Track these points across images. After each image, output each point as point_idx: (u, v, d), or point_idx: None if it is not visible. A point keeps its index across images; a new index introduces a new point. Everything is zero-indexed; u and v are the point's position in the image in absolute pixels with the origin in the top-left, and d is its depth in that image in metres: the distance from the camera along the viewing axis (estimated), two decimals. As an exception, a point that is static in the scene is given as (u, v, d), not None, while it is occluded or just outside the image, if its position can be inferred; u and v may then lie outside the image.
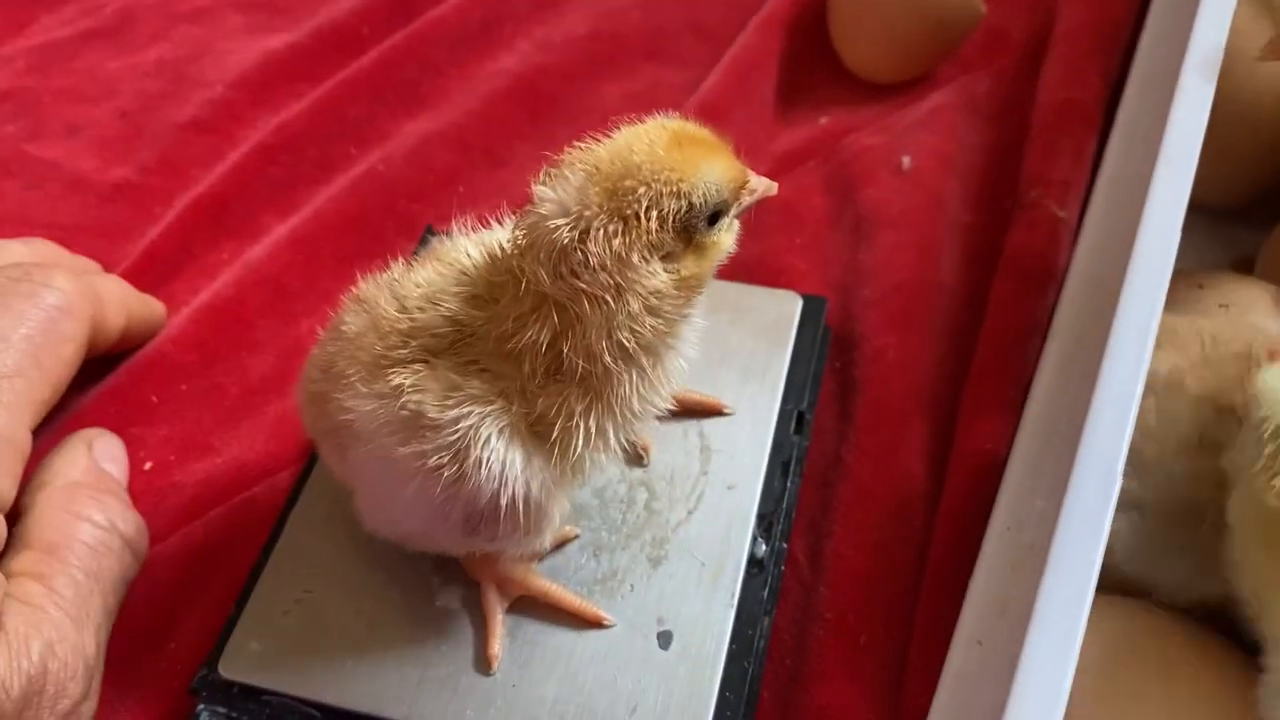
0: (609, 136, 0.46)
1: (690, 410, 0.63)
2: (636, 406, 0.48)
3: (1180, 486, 0.53)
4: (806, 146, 0.85)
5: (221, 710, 0.55)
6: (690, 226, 0.44)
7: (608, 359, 0.45)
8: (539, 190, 0.45)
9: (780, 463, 0.63)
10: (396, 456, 0.46)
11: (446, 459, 0.46)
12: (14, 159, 0.86)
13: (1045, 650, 0.39)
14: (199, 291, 0.78)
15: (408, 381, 0.46)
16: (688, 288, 0.46)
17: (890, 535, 0.64)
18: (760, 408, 0.64)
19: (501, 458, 0.46)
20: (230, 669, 0.55)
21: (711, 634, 0.55)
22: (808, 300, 0.69)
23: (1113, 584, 0.54)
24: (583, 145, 0.46)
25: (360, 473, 0.51)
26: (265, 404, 0.72)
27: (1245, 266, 0.74)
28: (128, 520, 0.58)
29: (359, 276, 0.52)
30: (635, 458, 0.62)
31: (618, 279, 0.43)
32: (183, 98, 0.91)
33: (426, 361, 0.47)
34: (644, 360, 0.46)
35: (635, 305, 0.44)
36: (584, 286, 0.43)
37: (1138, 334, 0.47)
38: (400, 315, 0.47)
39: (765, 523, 0.60)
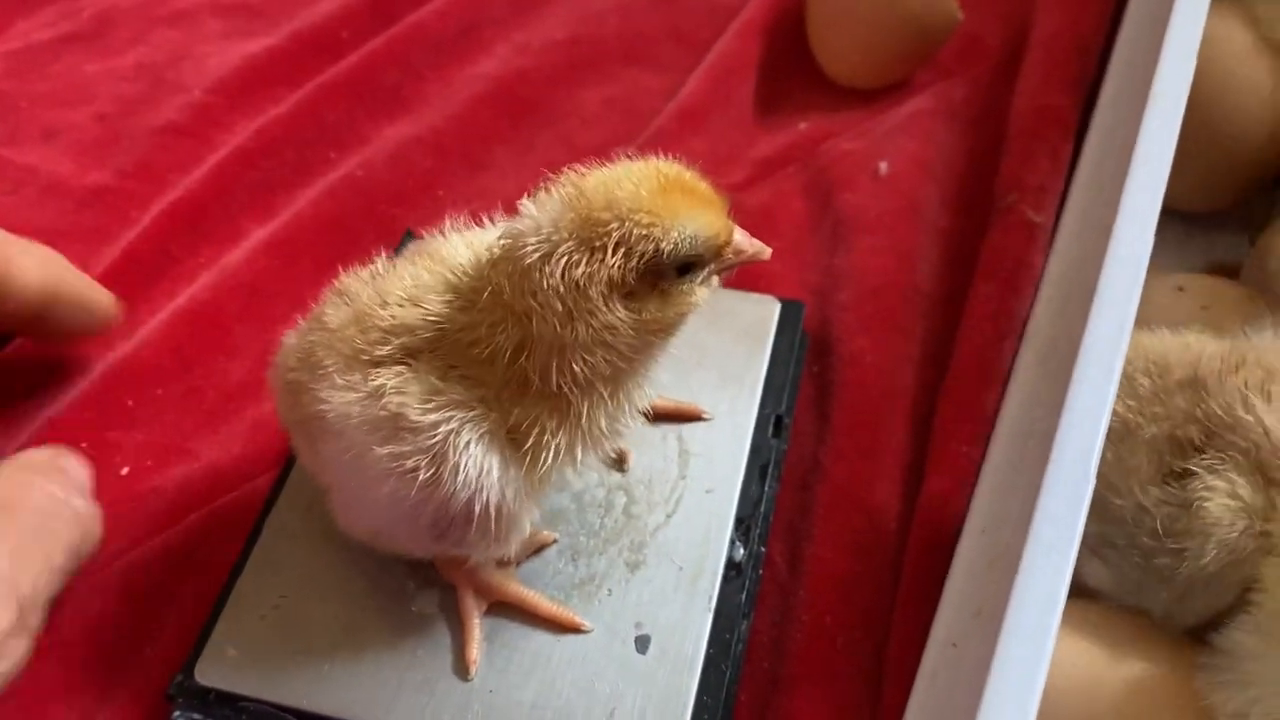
0: (609, 165, 0.46)
1: (669, 416, 0.63)
2: (604, 426, 0.48)
3: (1151, 520, 0.52)
4: (785, 152, 0.86)
5: (198, 716, 0.55)
6: (657, 271, 0.44)
7: (561, 381, 0.45)
8: (524, 204, 0.46)
9: (758, 466, 0.63)
10: (372, 455, 0.46)
11: (424, 462, 0.46)
12: (-10, 163, 0.86)
13: (1018, 652, 0.39)
14: (176, 296, 0.78)
15: (390, 382, 0.46)
16: (648, 330, 0.46)
17: (868, 538, 0.65)
18: (738, 412, 0.64)
19: (479, 464, 0.46)
20: (206, 675, 0.55)
21: (689, 638, 0.55)
22: (786, 305, 0.69)
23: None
24: (582, 169, 0.45)
25: (332, 467, 0.51)
26: (243, 409, 0.72)
27: (1222, 272, 0.74)
28: (85, 502, 0.56)
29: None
30: (615, 463, 0.62)
31: (570, 305, 0.44)
32: (161, 102, 0.91)
33: (408, 363, 0.47)
34: (601, 389, 0.47)
35: (584, 335, 0.44)
36: (537, 306, 0.44)
37: (1111, 337, 0.47)
38: (383, 311, 0.47)
39: (743, 526, 0.61)
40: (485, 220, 0.52)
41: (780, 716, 0.59)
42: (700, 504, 0.61)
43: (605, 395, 0.47)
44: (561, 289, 0.43)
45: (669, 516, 0.60)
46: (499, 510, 0.47)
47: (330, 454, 0.49)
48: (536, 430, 0.46)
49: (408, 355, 0.47)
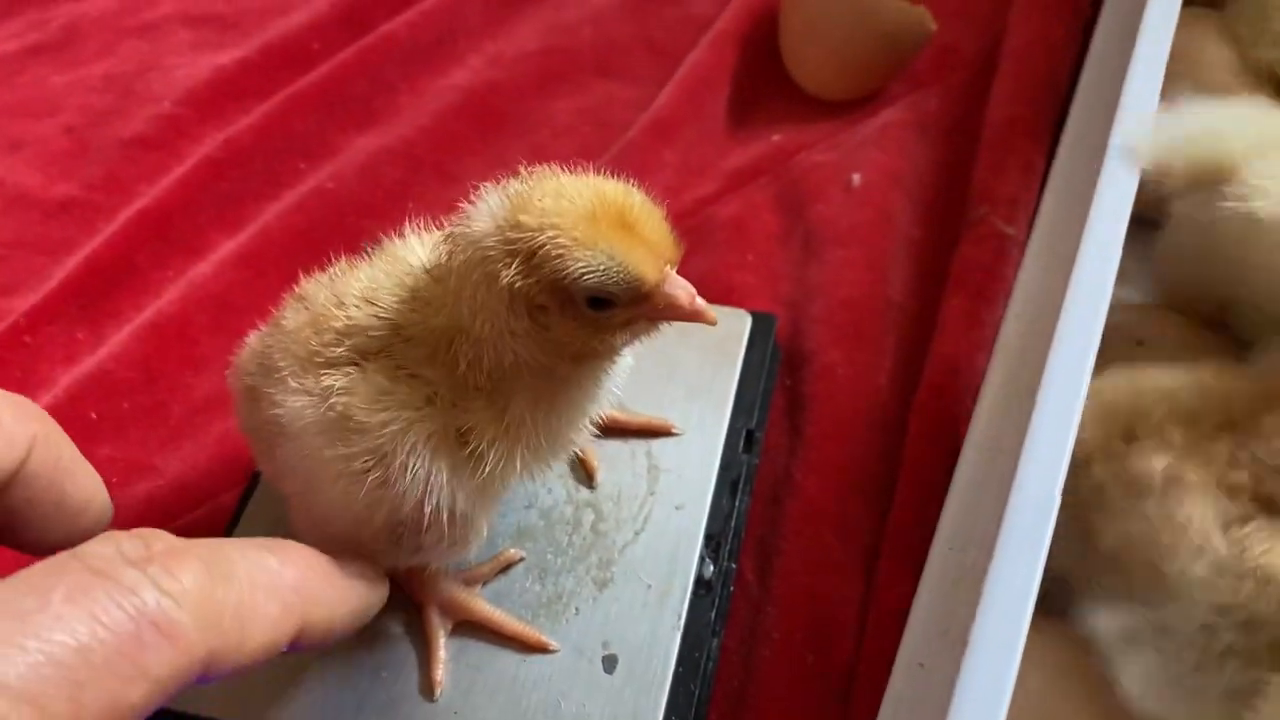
0: (579, 174, 0.44)
1: (638, 431, 0.63)
2: (542, 438, 0.47)
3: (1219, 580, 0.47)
4: (757, 163, 0.85)
5: (156, 739, 0.54)
6: (565, 295, 0.42)
7: (478, 374, 0.45)
8: (482, 190, 0.45)
9: (729, 482, 0.62)
10: (323, 458, 0.46)
11: (372, 463, 0.45)
12: (-45, 175, 0.85)
13: (983, 672, 0.39)
14: (143, 309, 0.77)
15: (338, 383, 0.46)
16: (556, 351, 0.45)
17: (840, 554, 0.64)
18: (709, 426, 0.64)
19: (427, 465, 0.45)
20: (166, 697, 0.54)
21: (657, 657, 0.55)
22: (757, 317, 0.69)
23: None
24: (545, 170, 0.44)
25: (288, 473, 0.50)
26: (209, 423, 0.71)
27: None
28: None
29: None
30: (583, 479, 0.61)
31: (478, 298, 0.43)
32: (130, 114, 0.90)
33: (358, 364, 0.46)
34: (529, 395, 0.46)
35: (489, 331, 0.44)
36: (455, 290, 0.44)
37: (1077, 354, 0.47)
38: (337, 313, 0.47)
39: (713, 543, 0.60)
40: (447, 224, 0.51)
41: (750, 735, 0.58)
42: (670, 520, 0.60)
43: (536, 403, 0.46)
44: (473, 278, 0.43)
45: (638, 533, 0.59)
46: (451, 512, 0.46)
47: (285, 458, 0.48)
48: (477, 434, 0.46)
49: (360, 356, 0.47)
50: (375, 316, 0.47)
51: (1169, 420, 0.51)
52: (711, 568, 0.59)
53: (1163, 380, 0.54)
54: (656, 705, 0.53)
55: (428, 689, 0.53)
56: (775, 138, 0.88)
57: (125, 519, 0.65)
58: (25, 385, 0.72)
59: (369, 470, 0.45)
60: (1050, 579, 0.42)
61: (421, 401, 0.46)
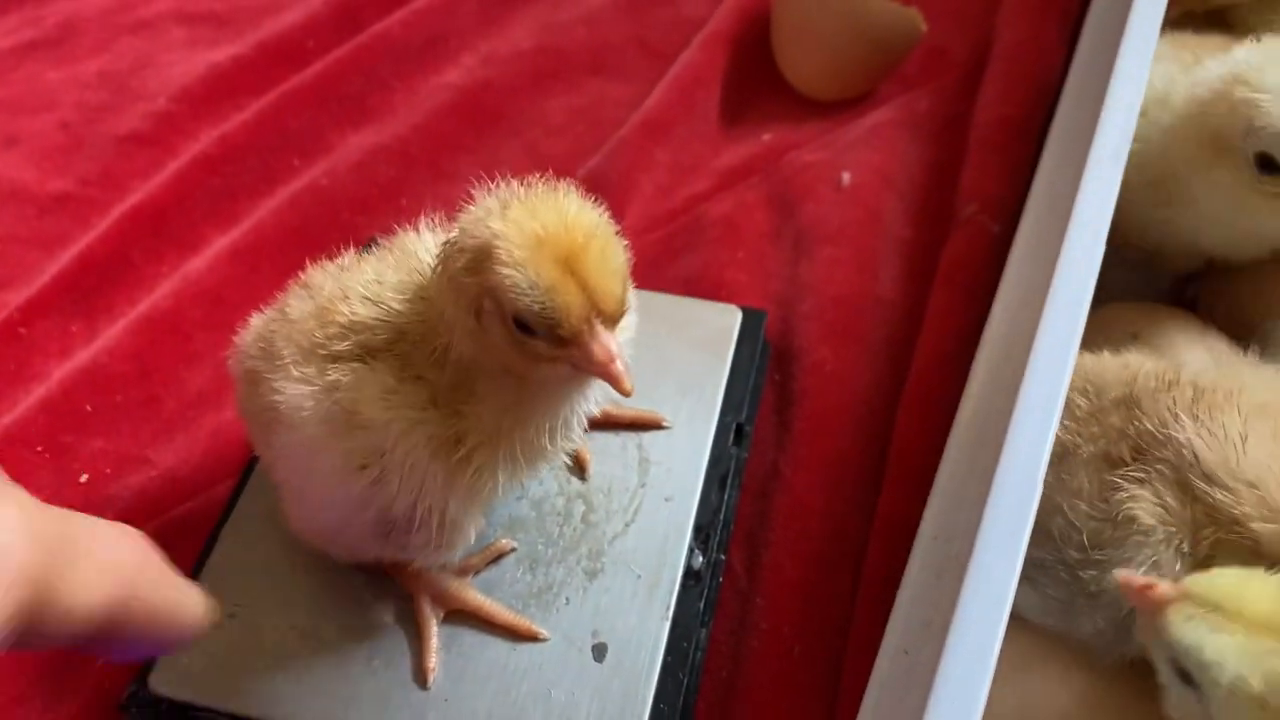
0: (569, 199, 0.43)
1: (628, 425, 0.63)
2: (516, 448, 0.48)
3: (1079, 535, 0.52)
4: (749, 162, 0.86)
5: (151, 727, 0.54)
6: (499, 309, 0.43)
7: (449, 358, 0.46)
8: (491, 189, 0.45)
9: (718, 475, 0.63)
10: (322, 449, 0.46)
11: (372, 460, 0.46)
12: (-51, 170, 0.85)
13: (963, 660, 0.39)
14: (137, 303, 0.77)
15: (346, 378, 0.46)
16: (491, 357, 0.45)
17: (827, 546, 0.65)
18: (698, 420, 0.64)
19: (424, 467, 0.46)
20: (161, 684, 0.54)
21: (646, 646, 0.55)
22: (747, 313, 0.69)
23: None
24: (553, 183, 0.44)
25: (283, 460, 0.51)
26: (202, 417, 0.71)
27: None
28: None
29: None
30: (575, 471, 0.62)
31: (443, 283, 0.45)
32: (124, 110, 0.90)
33: (364, 360, 0.47)
34: (496, 395, 0.47)
35: (450, 316, 0.45)
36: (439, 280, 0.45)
37: (1059, 351, 0.48)
38: (343, 306, 0.47)
39: (702, 534, 0.61)
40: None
41: (738, 725, 0.59)
42: (659, 512, 0.61)
43: (504, 411, 0.47)
44: (443, 261, 0.44)
45: (628, 525, 0.60)
46: (442, 515, 0.47)
47: (282, 446, 0.49)
48: (467, 439, 0.46)
49: (365, 353, 0.47)
50: (381, 317, 0.47)
51: (1076, 391, 0.54)
52: (700, 559, 0.60)
53: (1091, 360, 0.57)
54: (645, 693, 0.54)
55: (421, 677, 0.54)
56: (766, 137, 0.89)
57: (118, 511, 0.66)
58: (19, 378, 0.72)
59: (367, 466, 0.46)
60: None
61: (425, 403, 0.46)
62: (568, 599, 0.57)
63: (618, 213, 0.45)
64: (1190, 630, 0.44)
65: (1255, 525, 0.48)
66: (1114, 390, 0.54)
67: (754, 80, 0.93)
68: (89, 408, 0.71)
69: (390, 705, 0.53)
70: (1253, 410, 0.51)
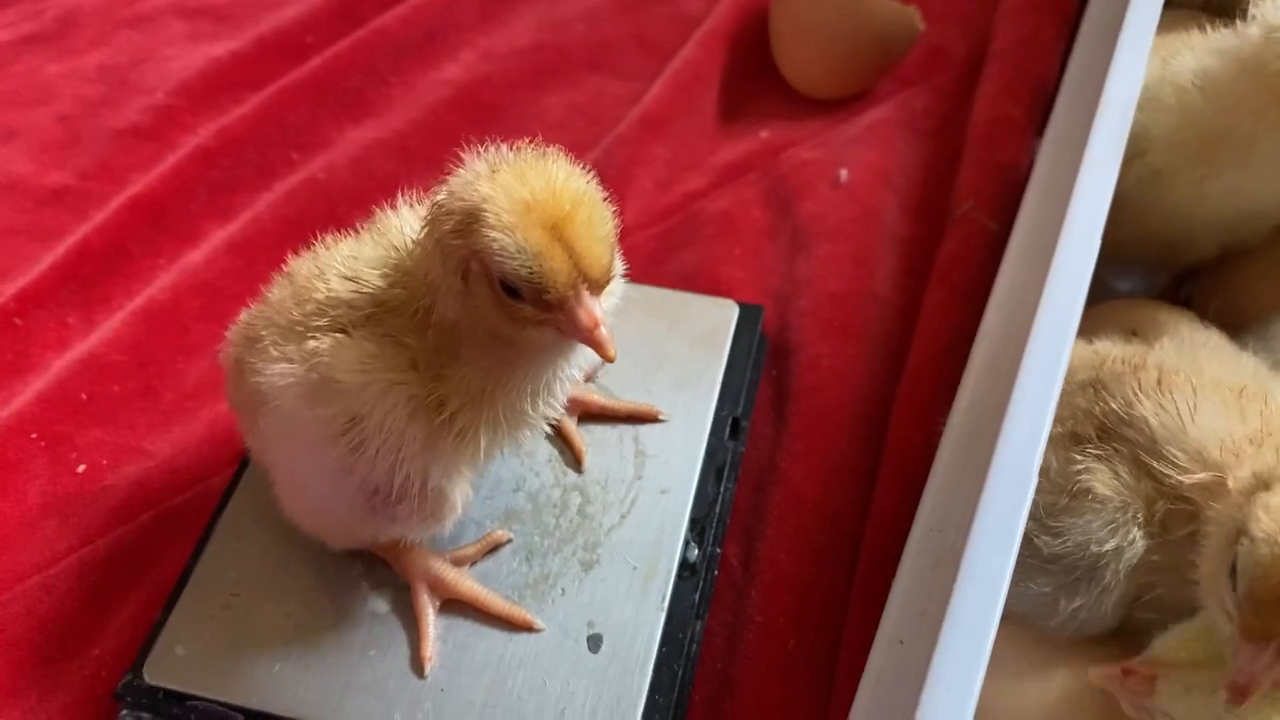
0: (557, 164, 0.44)
1: (625, 417, 0.63)
2: (503, 412, 0.48)
3: (1035, 509, 0.52)
4: (747, 159, 0.86)
5: (146, 716, 0.54)
6: (485, 271, 0.43)
7: (434, 319, 0.46)
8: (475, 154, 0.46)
9: (714, 468, 0.63)
10: (304, 421, 0.46)
11: (351, 424, 0.46)
12: (-52, 162, 0.85)
13: (958, 649, 0.39)
14: (135, 295, 0.77)
15: (324, 345, 0.46)
16: (478, 320, 0.45)
17: (822, 539, 0.65)
18: (695, 414, 0.65)
19: (402, 429, 0.46)
20: (155, 674, 0.54)
21: (641, 637, 0.56)
22: (744, 308, 0.70)
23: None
24: (543, 150, 0.44)
25: (270, 443, 0.51)
26: (199, 408, 0.71)
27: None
28: None
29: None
30: (572, 463, 0.62)
31: (430, 245, 0.45)
32: (123, 103, 0.90)
33: (345, 331, 0.47)
34: (481, 359, 0.47)
35: (435, 277, 0.45)
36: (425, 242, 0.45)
37: (1054, 345, 0.48)
38: (318, 284, 0.47)
39: (698, 527, 0.61)
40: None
41: (732, 716, 0.59)
42: (655, 504, 0.61)
43: (487, 374, 0.47)
44: (430, 222, 0.44)
45: (624, 517, 0.60)
46: (423, 484, 0.47)
47: (267, 427, 0.49)
48: (455, 401, 0.47)
49: (345, 327, 0.47)
50: (357, 292, 0.47)
51: None
52: (696, 551, 0.60)
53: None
54: (640, 684, 0.54)
55: (418, 666, 0.54)
56: (764, 134, 0.89)
57: (114, 501, 0.66)
58: (16, 368, 0.72)
59: (347, 431, 0.46)
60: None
61: (405, 366, 0.46)
62: (563, 590, 0.57)
63: (616, 208, 0.45)
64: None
65: (1196, 493, 0.49)
66: (1082, 374, 0.55)
67: (752, 78, 0.94)
68: (85, 398, 0.71)
69: (386, 694, 0.53)
70: (1208, 385, 0.52)
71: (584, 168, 0.45)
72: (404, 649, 0.55)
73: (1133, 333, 0.62)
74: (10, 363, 0.73)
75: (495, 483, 0.61)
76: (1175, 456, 0.50)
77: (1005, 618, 0.41)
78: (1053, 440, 0.53)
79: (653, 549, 0.59)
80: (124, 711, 0.54)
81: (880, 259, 0.79)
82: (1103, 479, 0.51)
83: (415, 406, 0.46)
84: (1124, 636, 0.54)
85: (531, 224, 0.41)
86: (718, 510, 0.62)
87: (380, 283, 0.48)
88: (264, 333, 0.48)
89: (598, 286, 0.43)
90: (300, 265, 0.50)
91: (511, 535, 0.59)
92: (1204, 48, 0.64)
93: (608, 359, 0.44)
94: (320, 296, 0.47)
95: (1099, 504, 0.51)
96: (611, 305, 0.46)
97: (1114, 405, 0.53)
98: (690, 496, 0.61)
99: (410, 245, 0.48)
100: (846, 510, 0.66)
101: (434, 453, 0.47)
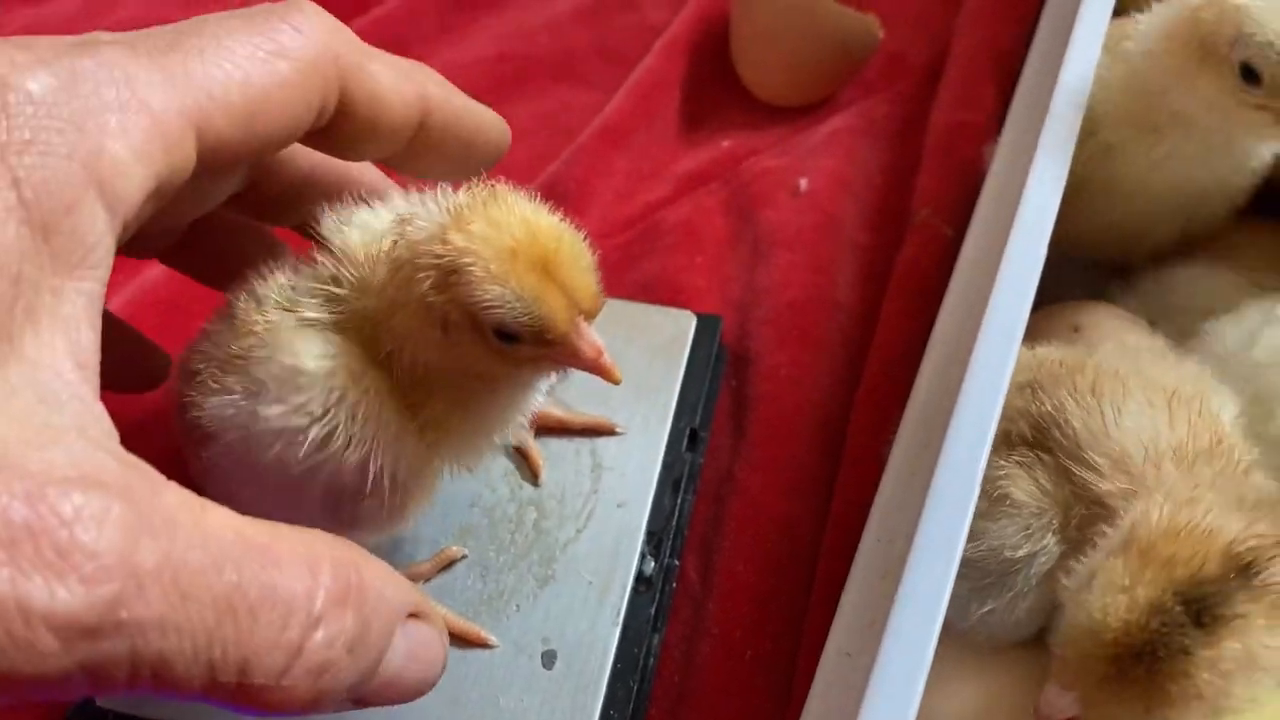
0: (520, 203, 0.43)
1: (581, 430, 0.63)
2: (459, 440, 0.48)
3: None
4: (708, 168, 0.86)
5: (96, 740, 0.54)
6: (473, 319, 0.43)
7: (402, 364, 0.45)
8: (439, 190, 0.45)
9: (671, 480, 0.63)
10: (261, 423, 0.45)
11: (316, 414, 0.44)
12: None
13: (896, 663, 0.39)
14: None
15: (285, 337, 0.45)
16: (463, 366, 0.45)
17: (781, 549, 0.65)
18: (652, 426, 0.64)
19: (376, 413, 0.45)
20: (107, 698, 0.54)
21: (596, 653, 0.56)
22: (702, 319, 0.69)
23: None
24: (496, 187, 0.44)
25: (215, 468, 0.49)
26: (153, 429, 0.70)
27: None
28: None
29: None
30: (528, 477, 0.62)
31: (401, 298, 0.44)
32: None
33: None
34: (447, 390, 0.46)
35: (402, 327, 0.44)
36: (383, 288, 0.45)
37: (1000, 347, 0.48)
38: (257, 316, 0.46)
39: (654, 540, 0.61)
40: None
41: (690, 731, 0.59)
42: (611, 518, 0.61)
43: (453, 406, 0.47)
44: (399, 277, 0.44)
45: (579, 531, 0.60)
46: (393, 478, 0.46)
47: (211, 455, 0.48)
48: (421, 411, 0.47)
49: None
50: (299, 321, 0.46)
51: None
52: (653, 564, 0.60)
53: None
54: (594, 701, 0.54)
55: (368, 684, 0.54)
56: (725, 143, 0.89)
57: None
58: None
59: (311, 426, 0.44)
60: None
61: (372, 359, 0.46)
62: (518, 606, 0.57)
63: (577, 219, 0.45)
64: None
65: (1112, 499, 0.49)
66: (1020, 375, 0.55)
67: (713, 86, 0.94)
68: (40, 419, 0.70)
69: (335, 713, 0.53)
70: (1138, 385, 0.52)
71: (537, 190, 0.45)
72: (356, 668, 0.55)
73: (1075, 329, 0.62)
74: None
75: (450, 498, 0.61)
76: (1095, 461, 0.50)
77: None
78: None
79: (609, 563, 0.59)
80: (75, 735, 0.54)
81: (841, 267, 0.79)
82: (1021, 485, 0.51)
83: (386, 397, 0.46)
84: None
85: (522, 270, 0.41)
86: (675, 523, 0.62)
87: (321, 314, 0.46)
88: (200, 367, 0.47)
89: (591, 315, 0.44)
90: (236, 299, 0.49)
91: (466, 551, 0.59)
92: (1145, 21, 0.65)
93: (614, 382, 0.45)
94: (260, 329, 0.46)
95: (1015, 509, 0.51)
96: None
97: (1048, 407, 0.53)
98: (647, 509, 0.61)
99: (350, 273, 0.47)
100: (805, 519, 0.66)
101: (403, 450, 0.47)
